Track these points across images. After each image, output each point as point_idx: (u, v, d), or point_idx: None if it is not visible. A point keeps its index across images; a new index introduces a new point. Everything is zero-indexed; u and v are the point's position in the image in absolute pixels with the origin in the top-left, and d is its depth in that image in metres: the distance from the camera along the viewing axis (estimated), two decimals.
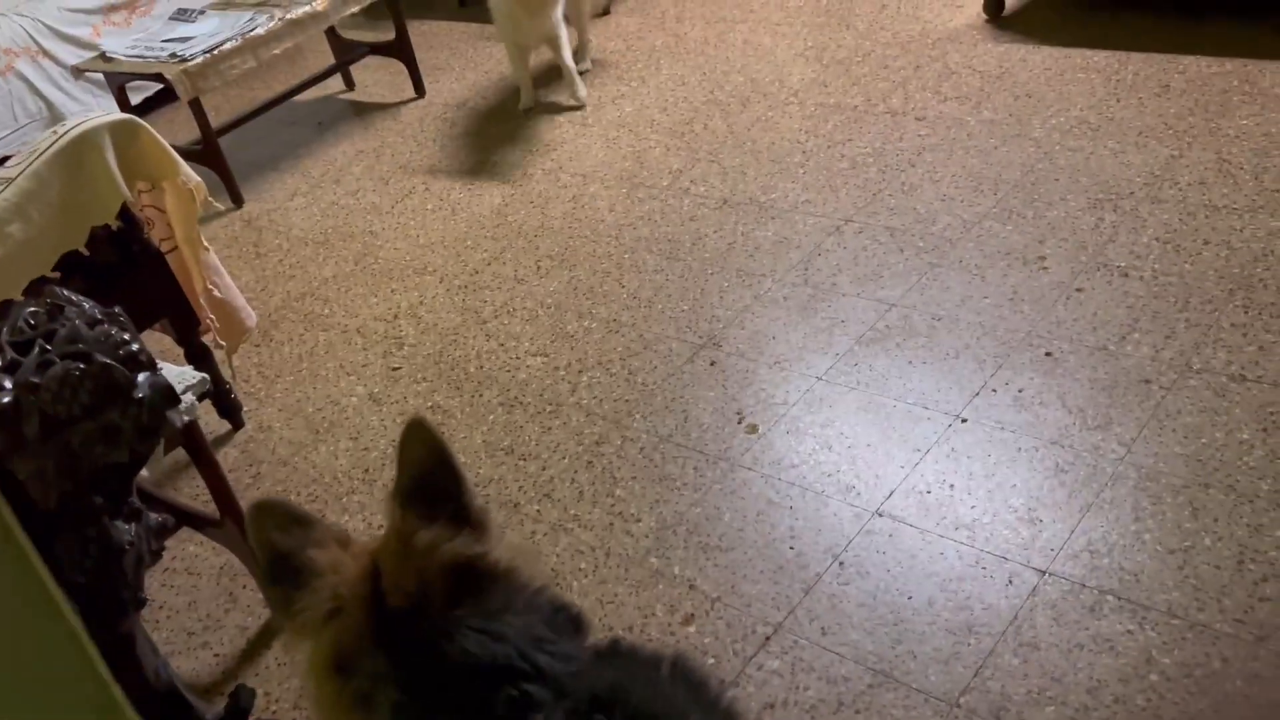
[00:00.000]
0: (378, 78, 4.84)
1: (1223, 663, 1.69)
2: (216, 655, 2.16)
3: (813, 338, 2.64)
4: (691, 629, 1.97)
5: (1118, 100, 3.34)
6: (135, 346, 1.47)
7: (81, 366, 1.38)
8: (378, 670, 1.01)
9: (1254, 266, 2.51)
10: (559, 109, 4.19)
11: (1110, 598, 1.83)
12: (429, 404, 2.70)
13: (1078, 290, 2.58)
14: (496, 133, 4.12)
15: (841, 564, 2.02)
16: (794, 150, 3.50)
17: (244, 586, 2.29)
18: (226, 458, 2.67)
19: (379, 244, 3.52)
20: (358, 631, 1.03)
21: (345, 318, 3.16)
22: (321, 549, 1.08)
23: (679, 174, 3.53)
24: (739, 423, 2.43)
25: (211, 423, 2.76)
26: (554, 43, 4.12)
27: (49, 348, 1.38)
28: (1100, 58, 3.61)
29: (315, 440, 2.68)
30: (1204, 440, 2.09)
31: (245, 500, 2.40)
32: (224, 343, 2.63)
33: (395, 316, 3.10)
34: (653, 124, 3.90)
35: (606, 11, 5.05)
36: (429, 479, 1.09)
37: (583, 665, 1.04)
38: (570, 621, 1.08)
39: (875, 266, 2.84)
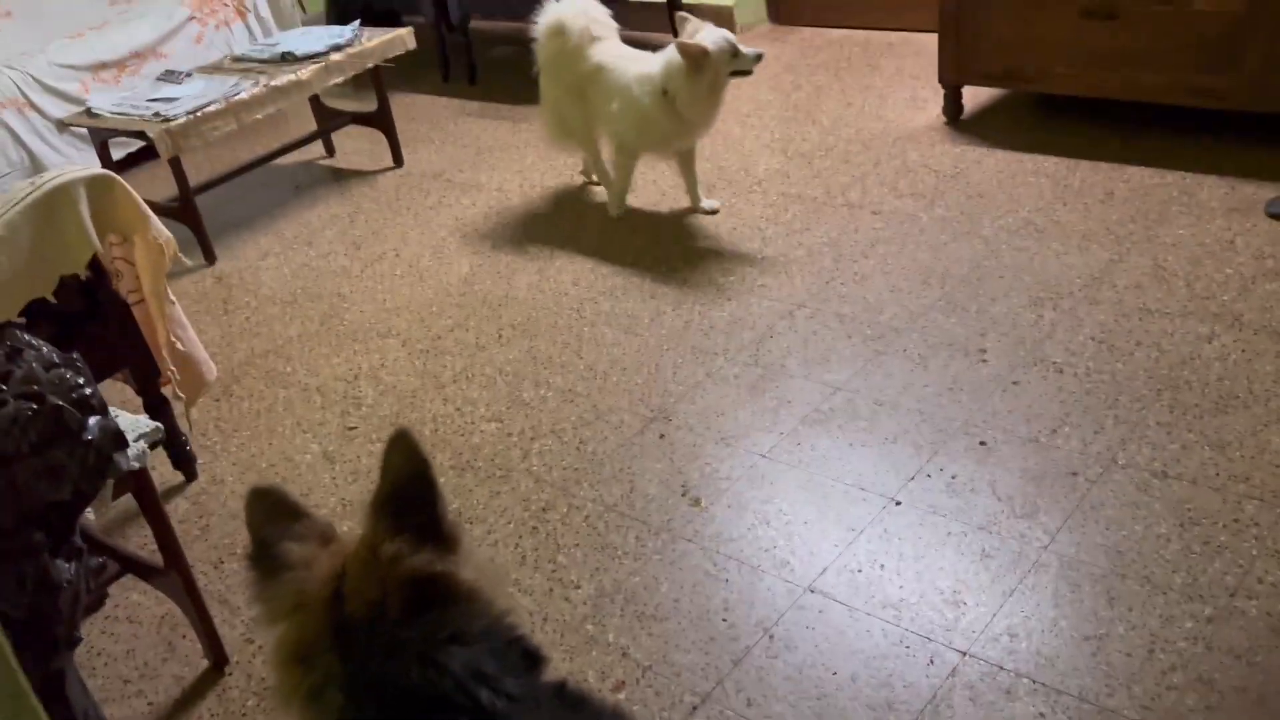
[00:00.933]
0: (358, 145, 4.96)
1: None
2: (150, 704, 2.17)
3: (760, 416, 2.72)
4: (621, 695, 2.00)
5: (1064, 204, 3.49)
6: (88, 391, 1.52)
7: (34, 407, 1.44)
8: (330, 671, 1.06)
9: (1181, 369, 2.62)
10: (532, 190, 4.31)
11: (1026, 680, 1.89)
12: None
13: (1014, 383, 2.68)
14: (469, 204, 4.23)
15: (772, 637, 2.07)
16: (754, 236, 3.63)
17: (183, 637, 2.31)
18: (177, 508, 2.70)
19: (346, 306, 3.59)
20: (316, 629, 1.08)
21: (306, 376, 3.22)
22: (301, 543, 1.12)
23: (641, 252, 3.64)
24: (683, 495, 2.49)
25: (165, 473, 2.79)
26: (691, 152, 3.81)
27: (4, 387, 1.44)
28: (1050, 163, 3.78)
29: None
30: (1124, 532, 2.17)
31: (191, 553, 2.43)
32: (183, 395, 2.67)
33: (355, 377, 3.16)
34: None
35: None
36: (407, 491, 1.12)
37: (524, 706, 1.07)
38: (524, 655, 1.11)
39: (824, 351, 2.94)
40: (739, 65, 3.45)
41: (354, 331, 3.43)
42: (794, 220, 3.69)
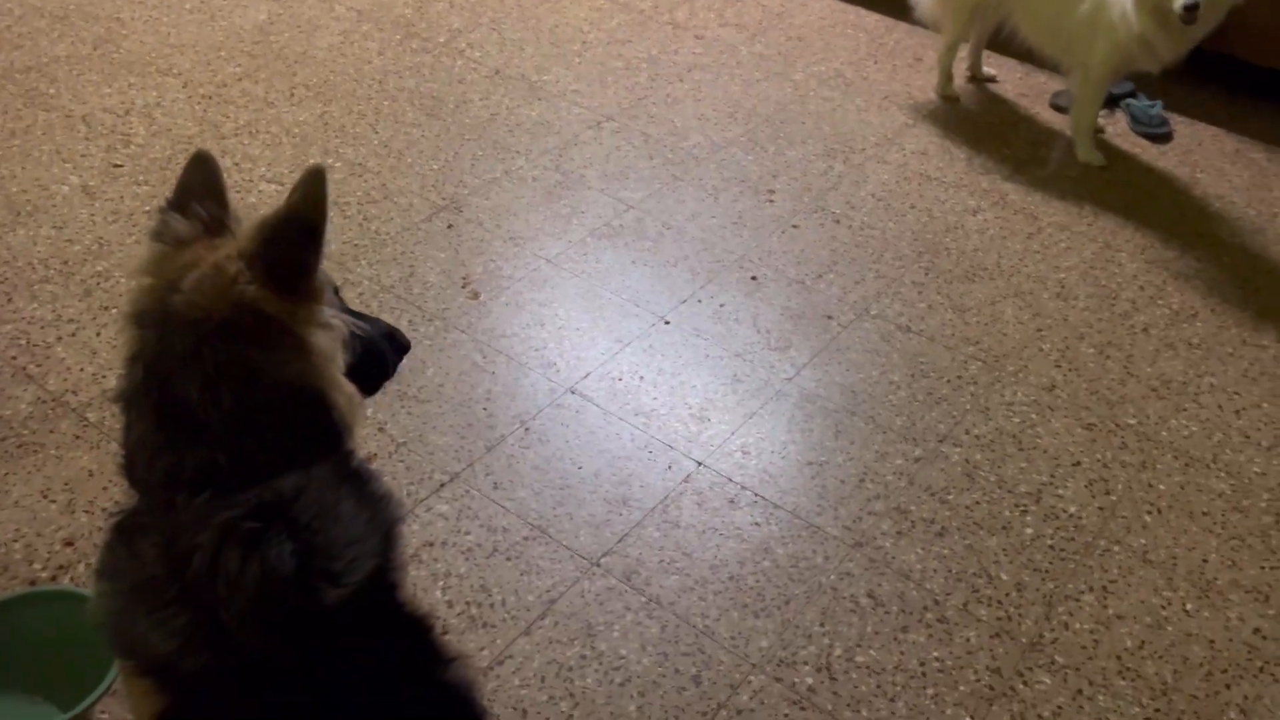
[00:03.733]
0: None
1: (824, 559, 1.97)
2: None
3: (551, 221, 2.74)
4: (372, 467, 2.05)
5: (875, 62, 3.59)
6: None
7: None
8: (146, 346, 1.09)
9: (944, 236, 2.82)
10: None
11: (749, 493, 2.08)
12: (146, 208, 2.60)
13: (794, 226, 2.81)
14: None
15: (527, 430, 2.16)
16: (575, 38, 3.55)
17: None
18: None
19: (125, 33, 3.29)
20: (151, 305, 1.10)
21: (72, 103, 2.96)
22: (191, 223, 1.14)
23: (457, 33, 3.50)
24: (463, 287, 2.51)
25: None
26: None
27: None
28: (872, 20, 3.85)
29: (14, 221, 2.53)
30: (861, 375, 2.37)
31: None
32: None
33: (127, 112, 2.94)
34: None
35: None
36: (289, 228, 1.10)
37: (287, 464, 1.09)
38: (320, 423, 1.13)
39: (624, 167, 2.96)
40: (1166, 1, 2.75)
41: (130, 63, 3.16)
42: (617, 29, 3.62)
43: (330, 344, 1.18)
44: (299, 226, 1.11)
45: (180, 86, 3.08)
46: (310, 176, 1.12)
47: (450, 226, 2.68)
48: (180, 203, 1.18)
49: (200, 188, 1.19)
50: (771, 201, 2.89)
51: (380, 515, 1.14)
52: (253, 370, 1.10)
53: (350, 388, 1.22)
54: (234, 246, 1.14)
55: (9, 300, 2.33)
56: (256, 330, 1.11)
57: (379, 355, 1.43)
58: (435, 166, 2.89)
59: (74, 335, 2.25)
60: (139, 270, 1.16)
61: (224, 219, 1.18)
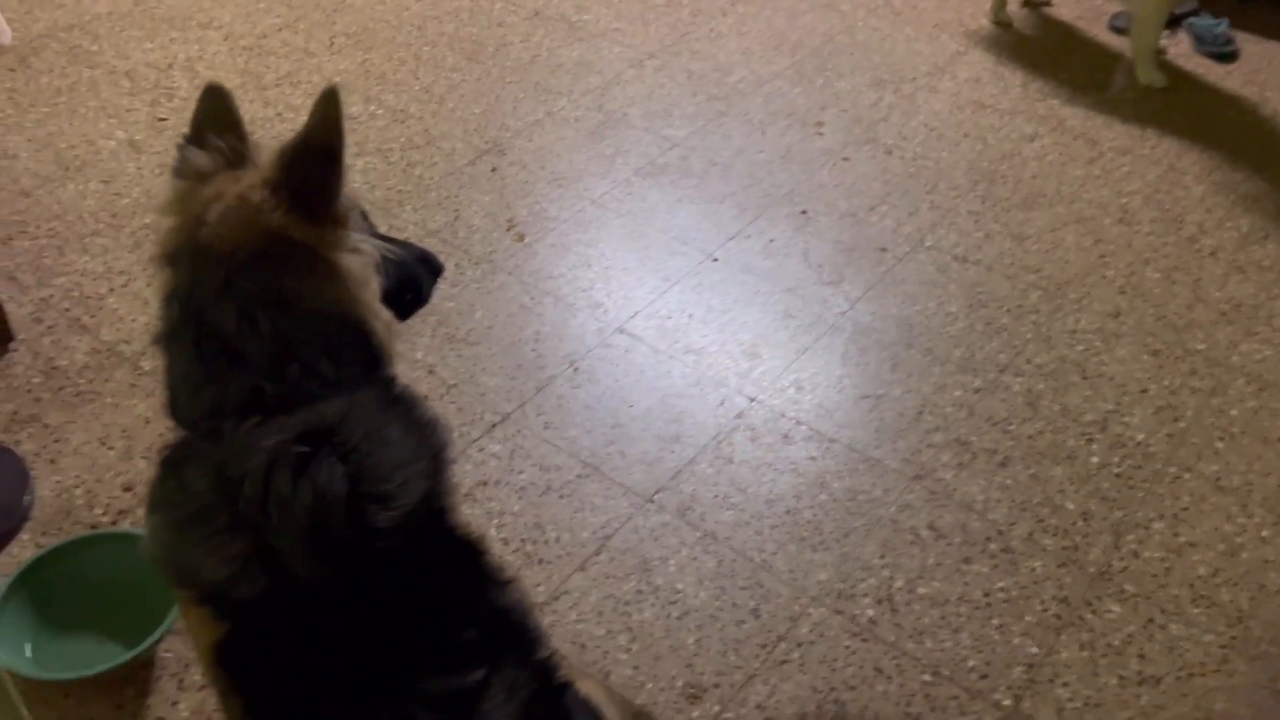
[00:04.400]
0: None
1: (883, 492, 1.93)
2: None
3: (595, 162, 2.70)
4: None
5: None
6: None
7: None
8: (180, 283, 1.08)
9: (1000, 164, 2.73)
10: None
11: (804, 428, 2.04)
12: None
13: (844, 159, 2.74)
14: None
15: (576, 369, 2.14)
16: None
17: None
18: None
19: None
20: (181, 240, 1.09)
21: (115, 59, 2.96)
22: (212, 155, 1.12)
23: None
24: (508, 230, 2.48)
25: None
26: None
27: None
28: None
29: (64, 176, 2.54)
30: (918, 307, 2.31)
31: None
32: None
33: (170, 66, 2.93)
34: None
35: None
36: (310, 153, 1.08)
37: (332, 388, 1.08)
38: (361, 348, 1.12)
39: (667, 105, 2.91)
40: None
41: (171, 17, 3.15)
42: None
43: (362, 268, 1.16)
44: (318, 150, 1.09)
45: (221, 39, 3.07)
46: (324, 100, 1.09)
47: (494, 170, 2.65)
48: (198, 137, 1.16)
49: (216, 120, 1.17)
50: (820, 135, 2.82)
51: (428, 438, 1.12)
52: (287, 297, 1.08)
53: (387, 314, 1.20)
54: (257, 176, 1.12)
55: (61, 254, 2.34)
56: (287, 257, 1.09)
57: (413, 279, 1.41)
58: (477, 111, 2.85)
59: (125, 286, 2.26)
60: (163, 209, 1.15)
61: (243, 150, 1.16)
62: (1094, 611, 1.75)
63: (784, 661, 1.67)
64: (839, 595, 1.76)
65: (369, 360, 1.14)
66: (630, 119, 2.84)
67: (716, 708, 1.61)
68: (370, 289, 1.18)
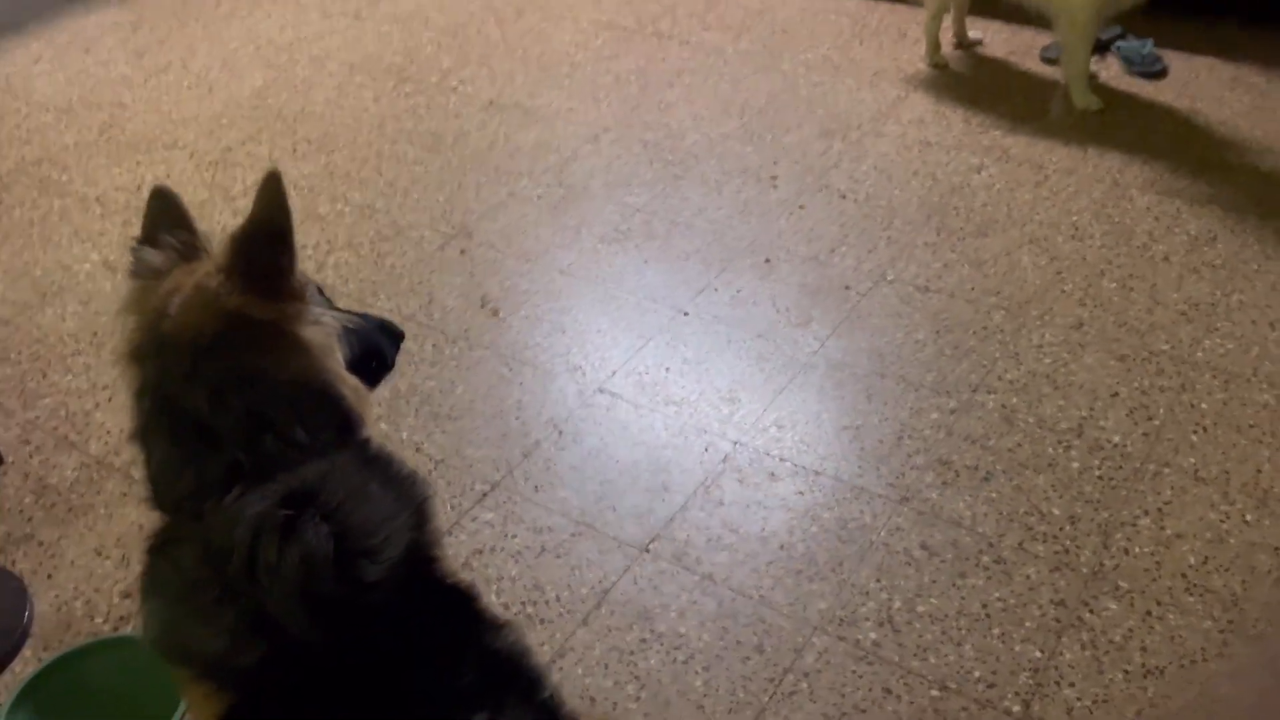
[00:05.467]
0: None
1: (872, 518, 1.96)
2: None
3: (560, 234, 2.77)
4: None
5: (861, 43, 3.61)
6: None
7: None
8: (146, 375, 1.11)
9: (950, 196, 2.82)
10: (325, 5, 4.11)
11: (788, 464, 2.07)
12: None
13: (800, 207, 2.82)
14: (264, 16, 4.00)
15: (561, 432, 2.18)
16: (563, 62, 3.60)
17: None
18: None
19: (127, 116, 3.38)
20: (144, 337, 1.12)
21: (85, 186, 3.04)
22: (165, 253, 1.16)
23: (448, 73, 3.56)
24: (482, 306, 2.53)
25: None
26: None
27: None
28: (852, 4, 3.88)
29: (42, 302, 2.59)
30: (886, 339, 2.37)
31: None
32: None
33: (139, 188, 3.01)
34: (426, 23, 3.90)
35: None
36: (259, 235, 1.13)
37: (309, 455, 1.11)
38: (334, 414, 1.16)
39: (626, 174, 2.99)
40: None
41: (136, 142, 3.24)
42: (603, 48, 3.67)
43: (325, 338, 1.20)
44: (267, 232, 1.14)
45: (187, 158, 3.16)
46: (266, 183, 1.15)
47: (463, 252, 2.72)
48: (149, 237, 1.21)
49: (166, 219, 1.21)
50: (775, 187, 2.90)
51: (408, 492, 1.15)
52: (254, 374, 1.12)
53: (354, 380, 1.24)
54: (211, 265, 1.17)
55: (44, 376, 2.38)
56: (250, 336, 1.13)
57: (376, 347, 1.45)
58: (441, 199, 2.93)
59: (110, 400, 2.30)
60: (123, 310, 1.19)
61: (194, 243, 1.21)
62: (1092, 611, 1.77)
63: (793, 693, 1.68)
64: (840, 622, 1.78)
65: (341, 425, 1.18)
66: (591, 190, 2.93)
67: None
68: (334, 357, 1.22)
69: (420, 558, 1.12)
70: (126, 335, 1.19)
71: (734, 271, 2.60)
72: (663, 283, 2.58)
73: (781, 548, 1.91)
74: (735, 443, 2.13)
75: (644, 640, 1.77)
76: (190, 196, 2.96)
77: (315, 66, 3.64)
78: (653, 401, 2.24)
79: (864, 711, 1.65)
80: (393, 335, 1.58)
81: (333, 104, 3.41)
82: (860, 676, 1.70)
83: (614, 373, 2.32)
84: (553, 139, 3.18)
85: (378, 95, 3.44)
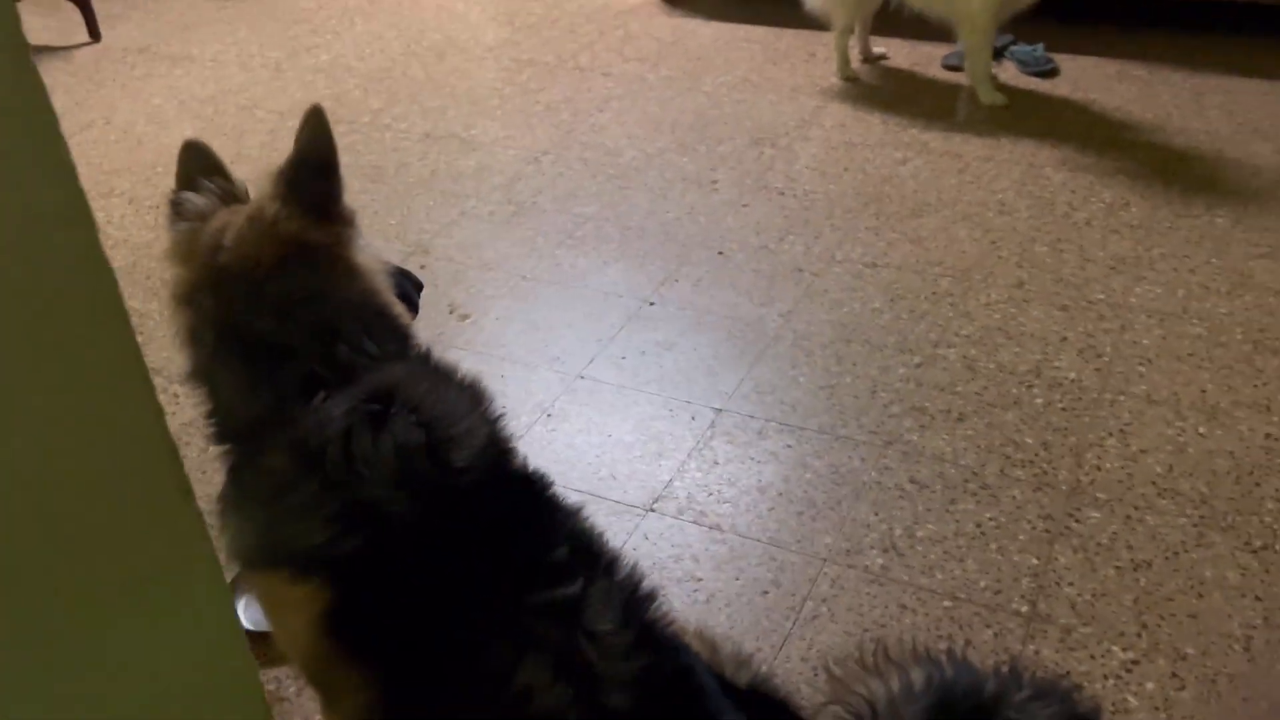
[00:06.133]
0: (44, 22, 4.54)
1: (860, 461, 2.05)
2: None
3: (518, 245, 2.84)
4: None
5: (774, 64, 3.81)
6: None
7: None
8: (205, 313, 1.13)
9: (883, 186, 2.99)
10: (242, 55, 4.15)
11: (773, 423, 2.16)
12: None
13: (744, 205, 2.95)
14: (182, 74, 4.02)
15: (549, 415, 2.23)
16: (492, 96, 3.71)
17: None
18: None
19: None
20: (198, 276, 1.15)
21: None
22: (207, 197, 1.20)
23: (380, 112, 3.63)
24: (451, 313, 2.58)
25: None
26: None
27: None
28: (760, 32, 4.09)
29: None
30: (845, 310, 2.49)
31: None
32: None
33: None
34: (350, 70, 3.97)
35: None
36: (308, 165, 1.17)
37: (380, 363, 1.16)
38: (391, 329, 1.20)
39: (572, 189, 3.09)
40: None
41: None
42: (529, 82, 3.79)
43: (375, 263, 1.26)
44: (315, 161, 1.21)
45: (126, 203, 3.14)
46: (310, 118, 1.22)
47: (423, 267, 2.76)
48: (188, 185, 1.26)
49: (202, 168, 1.27)
50: (717, 190, 3.04)
51: (478, 394, 1.21)
52: (317, 293, 1.18)
53: (401, 306, 1.30)
54: (259, 200, 1.22)
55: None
56: (308, 260, 1.19)
57: (404, 292, 1.52)
58: (393, 222, 2.98)
59: None
60: (170, 256, 1.23)
61: (233, 190, 1.27)
62: (1077, 520, 1.89)
63: (814, 617, 1.74)
64: (848, 552, 1.86)
65: (402, 339, 1.23)
66: (540, 205, 3.01)
67: (764, 669, 1.66)
68: (384, 280, 1.28)
69: (499, 449, 1.17)
70: (175, 279, 1.22)
71: (691, 264, 2.70)
72: (625, 278, 2.66)
73: (780, 494, 1.99)
74: (719, 410, 2.21)
75: (662, 587, 1.81)
76: (135, 239, 2.95)
77: (244, 115, 3.66)
78: (635, 381, 2.31)
79: (883, 626, 1.72)
80: (414, 281, 1.63)
81: (267, 147, 3.43)
82: (874, 597, 1.77)
83: (592, 360, 2.38)
84: (494, 163, 3.26)
85: None
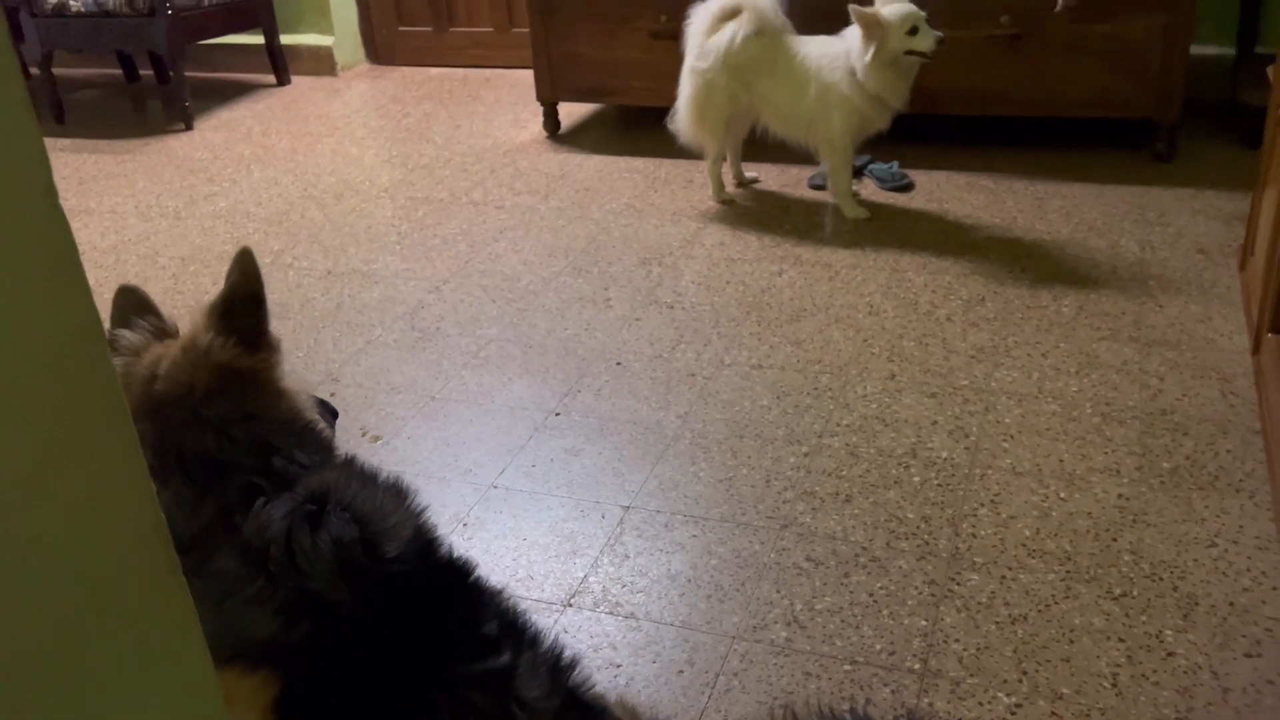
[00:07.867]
0: None
1: (760, 545, 2.20)
2: None
3: (424, 368, 2.97)
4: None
5: (656, 191, 4.09)
6: None
7: None
8: (143, 437, 1.22)
9: (762, 296, 3.23)
10: (141, 204, 4.26)
11: (679, 516, 2.31)
12: None
13: (637, 320, 3.15)
14: (80, 226, 4.09)
15: (464, 524, 2.33)
16: (390, 232, 3.88)
17: None
18: None
19: None
20: (136, 405, 1.24)
21: None
22: (139, 333, 1.31)
23: (280, 253, 3.76)
24: (363, 435, 2.68)
25: None
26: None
27: None
28: (640, 162, 4.39)
29: None
30: (737, 409, 2.68)
31: None
32: None
33: None
34: (249, 215, 4.11)
35: None
36: (237, 300, 1.30)
37: (312, 471, 1.28)
38: (317, 440, 1.33)
39: (473, 313, 3.25)
40: (916, 45, 3.33)
41: None
42: (425, 218, 3.99)
43: (299, 385, 1.40)
44: (245, 297, 1.36)
45: None
46: (241, 257, 1.38)
47: (334, 394, 2.87)
48: (124, 324, 1.40)
49: (135, 308, 1.41)
50: (611, 306, 3.24)
51: (401, 490, 1.34)
52: (252, 413, 1.31)
53: (323, 421, 1.44)
54: (192, 332, 1.36)
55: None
56: (241, 385, 1.32)
57: (322, 415, 1.65)
58: (300, 354, 3.08)
59: None
60: None
61: (164, 327, 1.41)
62: (958, 584, 2.07)
63: (727, 690, 1.86)
64: (754, 629, 1.99)
65: (328, 450, 1.37)
66: (444, 330, 3.16)
67: None
68: (307, 400, 1.42)
69: (425, 540, 1.30)
70: None
71: (591, 376, 2.87)
72: (530, 393, 2.81)
73: (689, 581, 2.12)
74: (627, 507, 2.35)
75: (583, 675, 1.91)
76: None
77: (146, 262, 3.75)
78: (546, 487, 2.43)
79: (791, 693, 1.85)
80: (330, 410, 1.76)
81: (171, 291, 3.53)
82: (781, 667, 1.90)
83: (504, 470, 2.51)
84: (396, 294, 3.41)
85: (215, 279, 3.58)
